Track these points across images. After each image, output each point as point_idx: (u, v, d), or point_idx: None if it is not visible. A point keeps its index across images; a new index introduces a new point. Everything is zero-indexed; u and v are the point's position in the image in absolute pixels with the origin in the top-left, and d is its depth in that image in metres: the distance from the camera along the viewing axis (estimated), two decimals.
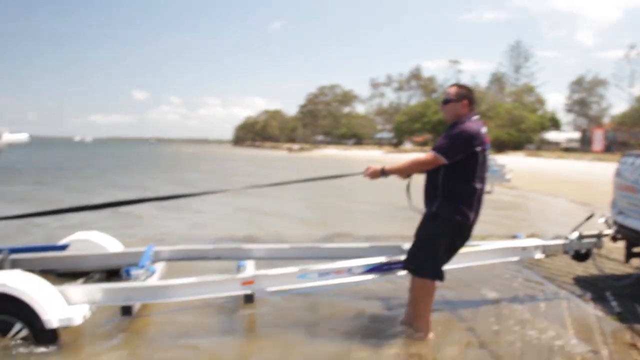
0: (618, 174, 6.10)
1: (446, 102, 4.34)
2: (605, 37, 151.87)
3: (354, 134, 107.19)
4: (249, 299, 4.51)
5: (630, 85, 75.78)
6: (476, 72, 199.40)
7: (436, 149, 4.16)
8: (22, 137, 5.52)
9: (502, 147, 62.83)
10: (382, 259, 4.72)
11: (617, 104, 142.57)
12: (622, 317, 4.82)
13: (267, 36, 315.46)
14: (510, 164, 20.85)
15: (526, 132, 69.58)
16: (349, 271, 4.63)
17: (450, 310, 5.03)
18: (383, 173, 4.36)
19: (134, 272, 4.68)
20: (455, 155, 4.10)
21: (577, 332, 4.50)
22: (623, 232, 5.72)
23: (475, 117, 4.30)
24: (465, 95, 4.32)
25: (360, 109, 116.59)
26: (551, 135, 75.64)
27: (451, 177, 4.16)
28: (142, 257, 5.15)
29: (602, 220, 5.75)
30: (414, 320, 4.39)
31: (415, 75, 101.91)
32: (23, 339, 3.90)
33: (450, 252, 4.36)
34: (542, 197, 17.87)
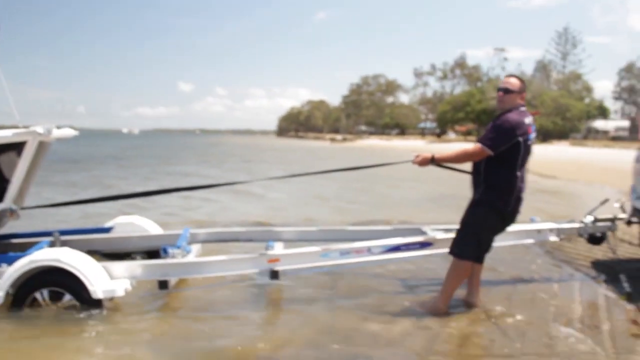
0: (638, 160, 6.27)
1: (508, 91, 4.49)
2: None
3: (397, 124, 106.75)
4: (274, 275, 4.87)
5: None
6: (522, 59, 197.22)
7: (482, 141, 4.40)
8: (70, 132, 5.93)
9: (546, 136, 61.93)
10: (400, 240, 5.03)
11: None
12: (630, 297, 5.03)
13: (311, 26, 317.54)
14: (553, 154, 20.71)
15: (572, 121, 68.33)
16: (369, 251, 4.95)
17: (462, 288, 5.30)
18: (432, 161, 4.64)
19: (171, 250, 5.10)
20: (500, 146, 4.32)
21: (585, 310, 4.76)
22: None
23: (523, 108, 4.51)
24: (524, 89, 4.53)
25: (403, 98, 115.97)
26: (599, 124, 74.17)
27: (493, 165, 4.40)
28: (179, 238, 5.55)
29: (617, 204, 5.93)
30: (439, 293, 4.73)
31: (460, 64, 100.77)
32: (73, 307, 4.37)
33: (493, 236, 4.66)
34: (580, 186, 17.83)
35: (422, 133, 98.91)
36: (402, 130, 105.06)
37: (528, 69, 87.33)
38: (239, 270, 4.84)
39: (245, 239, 6.00)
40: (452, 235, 5.12)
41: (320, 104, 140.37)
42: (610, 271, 5.91)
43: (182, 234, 5.69)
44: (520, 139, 4.32)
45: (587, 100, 75.39)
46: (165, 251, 5.15)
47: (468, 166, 4.72)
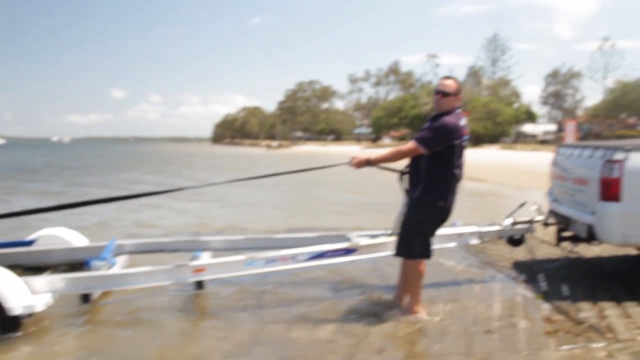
0: (554, 163, 6.54)
1: (445, 94, 4.59)
2: (582, 29, 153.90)
3: (332, 130, 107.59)
4: (200, 285, 4.87)
5: (604, 77, 76.98)
6: (454, 65, 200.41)
7: (418, 139, 4.53)
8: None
9: (478, 140, 63.42)
10: (325, 247, 5.10)
11: (591, 96, 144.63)
12: (546, 296, 5.23)
13: (246, 33, 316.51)
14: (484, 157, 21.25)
15: (502, 125, 70.25)
16: (294, 258, 5.00)
17: (387, 293, 5.39)
18: (368, 162, 4.72)
19: (95, 263, 5.00)
20: (435, 146, 4.47)
21: (503, 310, 4.92)
22: (556, 218, 6.15)
23: (459, 110, 4.66)
24: (460, 90, 4.69)
25: (339, 104, 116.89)
26: (528, 128, 76.50)
27: (433, 164, 4.53)
28: (104, 250, 5.46)
29: (534, 207, 6.17)
30: (409, 301, 4.78)
31: (394, 70, 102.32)
32: None
33: (434, 231, 4.76)
34: (509, 189, 18.36)
35: (358, 139, 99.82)
36: (338, 136, 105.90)
37: (460, 75, 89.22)
38: (164, 281, 4.80)
39: (172, 249, 5.97)
40: (376, 241, 5.25)
41: (256, 111, 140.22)
42: (529, 271, 6.14)
43: (107, 246, 5.60)
44: (456, 141, 4.49)
45: (516, 105, 77.62)
46: (87, 264, 5.05)
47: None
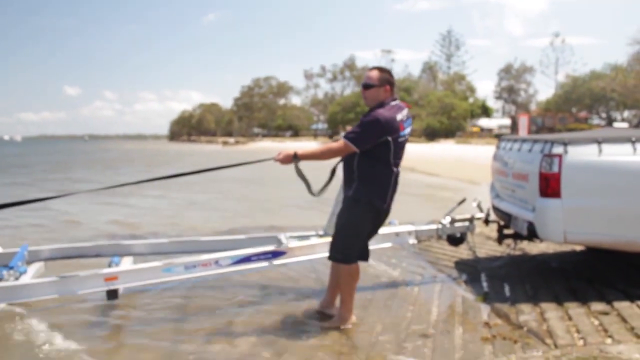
0: (495, 157, 6.29)
1: (368, 86, 4.27)
2: (533, 25, 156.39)
3: (290, 126, 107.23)
4: (113, 295, 4.45)
5: (556, 72, 78.30)
6: (410, 61, 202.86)
7: (347, 137, 4.13)
8: None
9: (433, 135, 63.90)
10: (251, 250, 4.75)
11: (544, 91, 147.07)
12: (486, 298, 4.97)
13: (201, 29, 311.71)
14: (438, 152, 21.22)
15: (457, 120, 70.93)
16: (217, 263, 4.63)
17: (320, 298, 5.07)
18: (295, 158, 4.22)
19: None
20: (366, 144, 4.10)
21: (440, 314, 4.65)
22: (498, 215, 5.90)
23: (394, 102, 4.27)
24: (387, 80, 4.27)
25: (295, 100, 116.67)
26: (483, 122, 77.35)
27: (366, 161, 4.17)
28: (14, 257, 5.02)
29: (474, 204, 5.91)
30: (340, 307, 4.43)
31: (349, 65, 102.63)
32: None
33: (371, 233, 4.42)
34: (462, 184, 18.30)
35: (315, 134, 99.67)
36: (296, 132, 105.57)
37: (415, 71, 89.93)
38: (72, 291, 4.38)
39: (92, 254, 5.57)
40: (307, 242, 4.93)
41: (212, 107, 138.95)
42: (472, 270, 5.89)
43: (17, 253, 5.14)
44: (389, 137, 4.10)
45: (471, 100, 78.48)
46: None
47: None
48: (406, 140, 4.31)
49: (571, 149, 4.68)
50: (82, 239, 7.84)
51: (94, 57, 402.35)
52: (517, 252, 6.61)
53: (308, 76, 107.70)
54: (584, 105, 68.15)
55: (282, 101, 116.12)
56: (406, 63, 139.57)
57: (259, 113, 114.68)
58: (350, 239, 4.28)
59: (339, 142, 4.18)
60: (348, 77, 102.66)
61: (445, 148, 46.00)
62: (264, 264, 4.79)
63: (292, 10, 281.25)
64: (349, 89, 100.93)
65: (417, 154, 31.97)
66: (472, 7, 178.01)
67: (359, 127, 4.15)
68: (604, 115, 69.80)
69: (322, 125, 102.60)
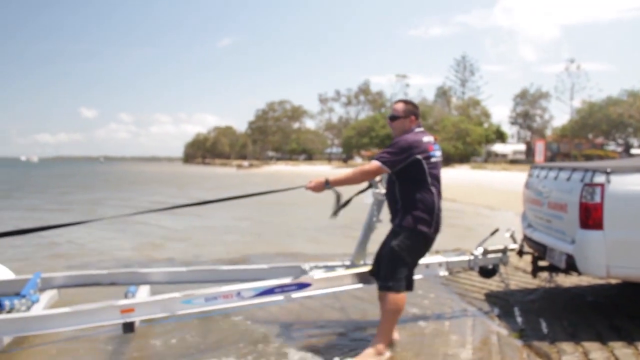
0: (527, 186, 6.02)
1: (394, 118, 4.42)
2: (545, 51, 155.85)
3: (304, 150, 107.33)
4: (128, 328, 4.21)
5: (571, 97, 77.86)
6: (424, 86, 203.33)
7: (378, 158, 4.20)
8: None
9: (448, 160, 63.56)
10: (275, 282, 4.50)
11: (559, 117, 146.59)
12: (523, 334, 4.68)
13: (217, 52, 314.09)
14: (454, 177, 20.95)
15: (472, 145, 70.61)
16: (238, 295, 4.37)
17: (347, 330, 4.81)
18: (327, 184, 4.30)
19: (7, 302, 4.34)
20: (396, 163, 4.15)
21: (475, 351, 4.36)
22: (531, 246, 5.62)
23: (419, 129, 4.37)
24: (412, 112, 4.41)
25: (309, 124, 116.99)
26: (498, 148, 77.01)
27: (406, 188, 4.23)
28: (26, 285, 4.80)
29: (507, 234, 5.64)
30: (376, 337, 4.29)
31: (364, 90, 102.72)
32: None
33: (417, 261, 4.40)
34: (478, 209, 17.98)
35: (329, 158, 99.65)
36: (309, 155, 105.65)
37: (429, 95, 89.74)
38: (86, 324, 4.13)
39: (107, 282, 5.31)
40: (333, 274, 4.69)
41: (227, 130, 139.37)
42: (504, 304, 5.61)
43: (30, 280, 4.93)
44: (419, 156, 4.16)
45: (485, 125, 78.13)
46: None
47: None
48: (439, 163, 4.36)
49: (614, 178, 4.42)
50: (101, 264, 7.63)
51: (110, 80, 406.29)
52: (550, 285, 6.31)
53: (322, 100, 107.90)
54: (600, 131, 67.72)
55: (296, 125, 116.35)
56: (420, 88, 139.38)
57: (273, 136, 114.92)
58: (398, 267, 4.22)
59: (371, 164, 4.24)
60: (362, 101, 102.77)
61: (460, 173, 45.66)
62: (288, 296, 4.53)
63: (307, 35, 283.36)
64: (363, 113, 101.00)
65: None
66: (484, 33, 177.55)
67: (388, 148, 4.23)
68: (620, 141, 69.27)
69: (336, 149, 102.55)
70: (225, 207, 17.14)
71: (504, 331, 4.84)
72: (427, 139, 4.29)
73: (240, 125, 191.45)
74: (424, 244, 4.30)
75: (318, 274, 4.67)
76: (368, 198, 5.07)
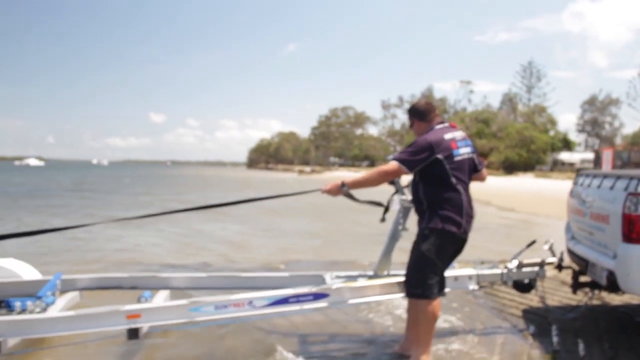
0: (572, 194, 5.62)
1: (410, 126, 4.44)
2: (618, 56, 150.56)
3: (366, 156, 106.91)
4: (134, 334, 4.07)
5: None
6: (489, 92, 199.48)
7: (396, 158, 4.02)
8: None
9: (512, 167, 62.13)
10: (289, 292, 4.28)
11: (630, 124, 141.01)
12: (556, 356, 4.31)
13: (282, 59, 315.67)
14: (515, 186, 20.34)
15: (537, 153, 68.77)
16: (250, 304, 4.17)
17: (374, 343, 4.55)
18: (343, 187, 4.11)
19: (18, 303, 4.27)
20: (415, 163, 3.98)
21: None
22: (574, 260, 5.23)
23: (440, 126, 4.19)
24: (429, 109, 4.31)
25: (372, 130, 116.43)
26: (565, 156, 74.77)
27: (430, 189, 4.05)
28: (44, 286, 4.74)
29: (546, 247, 5.25)
30: (414, 346, 4.12)
31: (427, 96, 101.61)
32: None
33: (448, 263, 4.20)
34: (539, 219, 17.34)
35: None
36: (372, 161, 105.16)
37: (495, 102, 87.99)
38: (91, 328, 4.01)
39: (128, 285, 5.20)
40: (353, 284, 4.44)
41: (290, 136, 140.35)
42: (541, 322, 5.22)
43: (49, 281, 4.87)
44: (440, 156, 3.97)
45: (551, 133, 76.02)
46: (8, 304, 4.31)
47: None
48: (466, 161, 4.13)
49: None
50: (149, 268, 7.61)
51: (179, 86, 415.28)
52: (595, 302, 5.88)
53: (385, 107, 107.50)
54: None
55: (359, 131, 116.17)
56: (485, 94, 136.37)
57: (335, 142, 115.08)
58: (428, 272, 4.00)
59: (389, 164, 4.03)
60: None
61: (523, 181, 44.48)
62: (305, 306, 4.30)
63: (371, 40, 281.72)
64: None
65: (493, 188, 30.89)
66: (553, 38, 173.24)
67: (408, 147, 4.06)
68: None
69: None
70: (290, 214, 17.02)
71: (535, 352, 4.47)
72: (450, 135, 4.09)
73: (304, 130, 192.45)
74: (452, 244, 4.06)
75: (337, 284, 4.43)
76: (395, 204, 4.79)
